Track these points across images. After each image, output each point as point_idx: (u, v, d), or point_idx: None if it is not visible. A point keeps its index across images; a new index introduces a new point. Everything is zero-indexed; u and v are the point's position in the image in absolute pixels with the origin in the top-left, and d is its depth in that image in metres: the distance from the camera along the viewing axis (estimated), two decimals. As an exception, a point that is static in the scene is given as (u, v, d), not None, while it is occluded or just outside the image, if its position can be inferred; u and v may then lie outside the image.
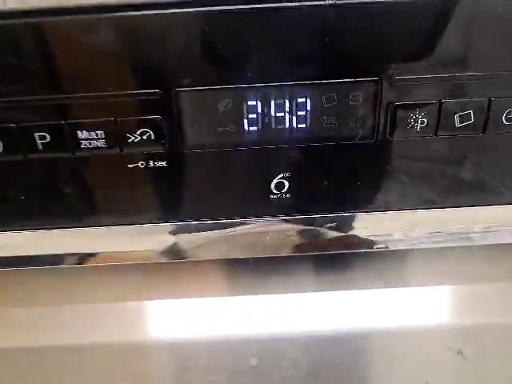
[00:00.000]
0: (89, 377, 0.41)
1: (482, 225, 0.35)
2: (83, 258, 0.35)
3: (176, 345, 0.39)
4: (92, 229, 0.33)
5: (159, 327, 0.40)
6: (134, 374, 0.41)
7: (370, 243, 0.35)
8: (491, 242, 0.36)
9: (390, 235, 0.35)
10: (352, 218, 0.34)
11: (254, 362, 0.39)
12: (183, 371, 0.39)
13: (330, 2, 0.25)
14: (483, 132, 0.30)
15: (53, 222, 0.33)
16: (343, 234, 0.34)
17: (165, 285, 0.39)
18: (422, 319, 0.39)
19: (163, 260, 0.34)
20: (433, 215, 0.34)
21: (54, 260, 0.35)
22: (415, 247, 0.36)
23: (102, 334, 0.39)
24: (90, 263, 0.35)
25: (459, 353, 0.41)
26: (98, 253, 0.35)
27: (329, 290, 0.39)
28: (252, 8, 0.25)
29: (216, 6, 0.25)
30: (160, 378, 0.40)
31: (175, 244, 0.33)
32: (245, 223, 0.33)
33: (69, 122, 0.28)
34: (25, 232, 0.33)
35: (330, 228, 0.33)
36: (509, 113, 0.29)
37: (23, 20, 0.25)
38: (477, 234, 0.35)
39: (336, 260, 0.38)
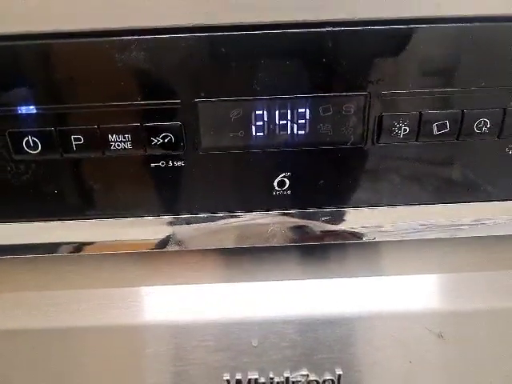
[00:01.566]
0: (92, 358, 0.43)
1: (470, 218, 0.38)
2: (87, 246, 0.38)
3: (181, 327, 0.42)
4: (111, 219, 0.37)
5: (164, 311, 0.42)
6: (138, 355, 0.43)
7: (361, 235, 0.39)
8: (479, 234, 0.39)
9: (380, 227, 0.38)
10: (345, 212, 0.37)
11: (255, 342, 0.43)
12: (190, 350, 0.43)
13: (328, 29, 0.30)
14: (457, 139, 0.34)
15: (81, 215, 0.37)
16: (338, 227, 0.38)
17: (169, 272, 0.42)
18: (405, 304, 0.43)
19: (174, 249, 0.38)
20: (421, 210, 0.38)
21: (59, 248, 0.38)
22: (405, 238, 0.39)
23: (107, 317, 0.42)
24: (92, 251, 0.38)
25: (440, 336, 0.45)
26: (102, 241, 0.38)
27: (321, 278, 0.42)
28: (261, 33, 0.30)
29: (230, 31, 0.30)
30: (168, 357, 0.43)
31: (182, 234, 0.37)
32: (251, 216, 0.37)
33: (101, 126, 0.32)
34: (37, 223, 0.37)
35: (326, 221, 0.37)
36: (479, 122, 0.34)
37: (69, 40, 0.29)
38: (465, 226, 0.39)
39: (329, 250, 0.42)
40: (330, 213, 0.37)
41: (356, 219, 0.38)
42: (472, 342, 0.45)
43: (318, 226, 0.38)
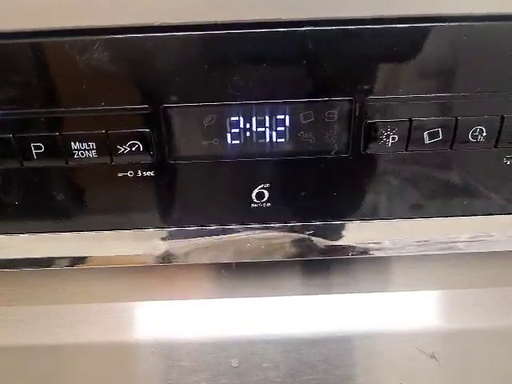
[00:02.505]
0: (73, 376, 0.42)
1: (467, 234, 0.37)
2: (76, 260, 0.36)
3: (160, 345, 0.41)
4: (84, 233, 0.35)
5: (144, 328, 0.41)
6: (112, 375, 0.42)
7: (347, 250, 0.37)
8: (476, 250, 0.37)
9: (367, 243, 0.37)
10: (329, 226, 0.35)
11: (235, 363, 0.41)
12: (167, 371, 0.41)
13: (308, 28, 0.27)
14: (451, 148, 0.32)
15: (47, 227, 0.35)
16: (321, 241, 0.36)
17: (150, 287, 0.41)
18: (396, 323, 0.41)
19: (150, 264, 0.36)
20: (410, 224, 0.36)
21: (50, 262, 0.36)
22: (396, 254, 0.38)
23: (88, 334, 0.41)
24: (82, 266, 0.37)
25: (432, 356, 0.43)
26: (89, 256, 0.36)
27: (306, 295, 0.40)
28: (235, 33, 0.27)
29: (201, 31, 0.27)
30: (145, 377, 0.41)
31: (161, 249, 0.35)
32: (228, 230, 0.34)
33: (63, 133, 0.30)
34: (23, 235, 0.35)
35: (308, 235, 0.35)
36: (475, 131, 0.31)
37: (25, 40, 0.27)
38: (462, 243, 0.37)
39: (312, 266, 0.40)
40: (314, 227, 0.35)
41: (340, 233, 0.36)
42: (466, 362, 0.43)
43: (300, 240, 0.35)
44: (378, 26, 0.28)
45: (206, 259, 0.35)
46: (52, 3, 0.27)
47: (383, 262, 0.41)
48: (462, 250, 0.37)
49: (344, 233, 0.36)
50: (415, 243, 0.37)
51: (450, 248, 0.37)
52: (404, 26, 0.28)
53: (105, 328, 0.41)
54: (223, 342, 0.40)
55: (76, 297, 0.41)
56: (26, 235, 0.35)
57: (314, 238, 0.35)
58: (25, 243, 0.36)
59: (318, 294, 0.41)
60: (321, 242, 0.35)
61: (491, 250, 0.38)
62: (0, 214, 0.34)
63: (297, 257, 0.36)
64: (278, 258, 0.36)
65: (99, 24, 0.27)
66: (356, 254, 0.37)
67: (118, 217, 0.34)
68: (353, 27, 0.28)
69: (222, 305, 0.41)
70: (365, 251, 0.37)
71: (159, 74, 0.29)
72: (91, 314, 0.41)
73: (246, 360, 0.41)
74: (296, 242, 0.36)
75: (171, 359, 0.41)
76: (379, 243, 0.36)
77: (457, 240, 0.37)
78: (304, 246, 0.36)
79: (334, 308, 0.41)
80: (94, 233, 0.35)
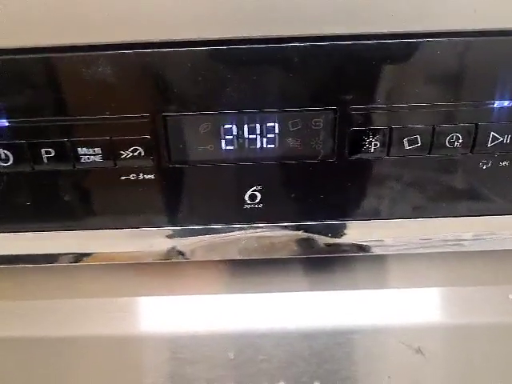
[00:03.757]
0: (80, 367, 0.44)
1: (471, 233, 0.38)
2: (82, 257, 0.38)
3: (160, 338, 0.42)
4: (89, 231, 0.37)
5: (145, 322, 0.43)
6: (112, 367, 0.44)
7: (336, 249, 0.39)
8: (480, 249, 0.39)
9: (356, 241, 0.38)
10: (318, 226, 0.37)
11: (231, 355, 0.43)
12: (166, 363, 0.43)
13: (295, 44, 0.30)
14: (429, 154, 0.34)
15: (54, 226, 0.37)
16: (311, 240, 0.38)
17: (151, 283, 0.43)
18: (383, 319, 0.43)
19: (151, 260, 0.38)
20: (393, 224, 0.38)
21: (55, 259, 0.38)
22: (384, 253, 0.40)
23: (94, 327, 0.42)
24: (89, 262, 0.39)
25: (418, 351, 0.44)
26: (95, 253, 0.38)
27: (297, 291, 0.42)
28: (228, 49, 0.30)
29: (197, 47, 0.30)
30: (145, 369, 0.43)
31: (160, 247, 0.37)
32: (222, 229, 0.37)
33: (71, 139, 0.32)
34: (29, 233, 0.37)
35: (299, 234, 0.37)
36: (451, 137, 0.34)
37: (38, 55, 0.30)
38: (467, 241, 0.38)
39: (305, 263, 0.42)
40: (304, 226, 0.37)
41: (330, 233, 0.38)
42: (452, 357, 0.45)
43: (291, 239, 0.37)
44: (358, 42, 0.30)
45: (199, 257, 0.38)
46: (62, 22, 0.29)
47: (374, 260, 0.43)
48: (465, 248, 0.39)
49: (333, 231, 0.38)
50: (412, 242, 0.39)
51: (453, 245, 0.39)
52: (381, 42, 0.30)
53: (107, 322, 0.42)
54: (220, 336, 0.42)
55: (81, 292, 0.43)
56: (34, 233, 0.37)
57: (304, 236, 0.38)
58: (33, 241, 0.38)
59: (310, 290, 0.43)
60: (312, 239, 0.37)
61: (495, 249, 0.39)
62: (11, 214, 0.36)
63: (289, 255, 0.38)
64: (270, 255, 0.38)
65: (103, 41, 0.30)
66: (347, 252, 0.39)
67: (120, 216, 0.37)
68: (336, 43, 0.30)
69: (219, 300, 0.42)
70: (358, 249, 0.39)
71: (159, 86, 0.31)
72: (94, 308, 0.42)
73: (241, 353, 0.43)
74: (288, 240, 0.38)
75: (170, 351, 0.43)
76: (369, 241, 0.38)
77: (460, 238, 0.39)
78: (296, 245, 0.38)
79: (325, 304, 0.43)
80: (99, 231, 0.37)
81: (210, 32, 0.30)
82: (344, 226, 0.38)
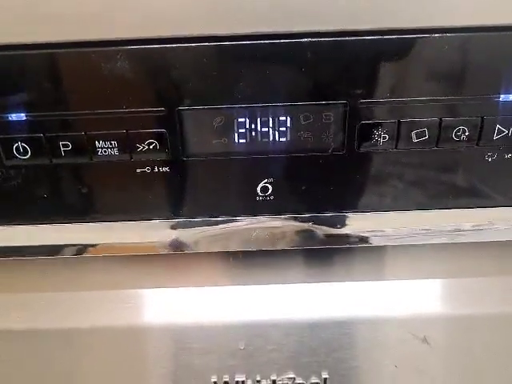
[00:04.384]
0: (89, 359, 0.45)
1: (471, 223, 0.39)
2: (91, 248, 0.39)
3: (172, 329, 0.43)
4: (103, 223, 0.38)
5: (157, 313, 0.43)
6: (126, 357, 0.44)
7: (346, 240, 0.39)
8: (479, 240, 0.40)
9: (363, 232, 0.39)
10: (328, 218, 0.38)
11: (241, 345, 0.44)
12: (179, 352, 0.44)
13: (308, 39, 0.31)
14: (436, 146, 0.35)
15: (68, 217, 0.38)
16: (321, 232, 0.39)
17: (164, 275, 0.43)
18: (390, 309, 0.44)
19: (164, 252, 0.39)
20: (404, 216, 0.39)
21: (58, 251, 0.39)
22: (391, 243, 0.40)
23: (105, 318, 0.43)
24: (98, 253, 0.39)
25: (424, 340, 0.45)
26: (105, 244, 0.39)
27: (307, 283, 0.43)
28: (241, 44, 0.31)
29: (212, 42, 0.31)
30: (158, 359, 0.44)
31: (175, 238, 0.38)
32: (235, 221, 0.38)
33: (88, 133, 0.33)
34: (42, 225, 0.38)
35: (309, 226, 0.38)
36: (458, 130, 0.34)
37: (59, 50, 0.31)
38: (467, 232, 0.39)
39: (314, 254, 0.43)
40: (314, 218, 0.38)
41: (339, 224, 0.38)
42: (458, 346, 0.45)
43: (301, 230, 0.38)
44: (369, 38, 0.31)
45: (213, 248, 0.38)
46: (82, 18, 0.30)
47: (380, 251, 0.44)
48: (464, 239, 0.39)
49: (342, 223, 0.39)
50: (411, 232, 0.40)
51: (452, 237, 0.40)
52: (391, 37, 0.31)
53: (121, 313, 0.43)
54: (230, 326, 0.43)
55: (94, 284, 0.43)
56: (48, 225, 0.38)
57: (314, 228, 0.38)
58: (47, 232, 0.38)
59: (318, 281, 0.44)
60: (322, 231, 0.38)
61: (495, 240, 0.40)
62: (29, 206, 0.37)
63: (299, 246, 0.39)
64: (281, 246, 0.39)
65: (122, 36, 0.31)
66: (356, 243, 0.40)
67: (135, 208, 0.37)
68: (346, 38, 0.31)
69: (230, 291, 0.43)
70: (364, 240, 0.39)
71: (174, 80, 0.32)
72: (108, 299, 0.43)
73: (251, 343, 0.44)
74: (298, 231, 0.38)
75: (182, 342, 0.43)
76: (378, 232, 0.39)
77: (460, 229, 0.39)
78: (306, 236, 0.39)
79: (333, 295, 0.43)
80: (111, 223, 0.38)
81: (225, 28, 0.30)
82: (352, 218, 0.39)
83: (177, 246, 0.39)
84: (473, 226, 0.39)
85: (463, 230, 0.39)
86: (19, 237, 0.38)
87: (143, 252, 0.40)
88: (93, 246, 0.39)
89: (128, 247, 0.39)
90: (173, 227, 0.38)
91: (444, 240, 0.39)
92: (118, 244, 0.39)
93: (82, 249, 0.39)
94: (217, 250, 0.39)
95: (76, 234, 0.38)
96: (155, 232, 0.38)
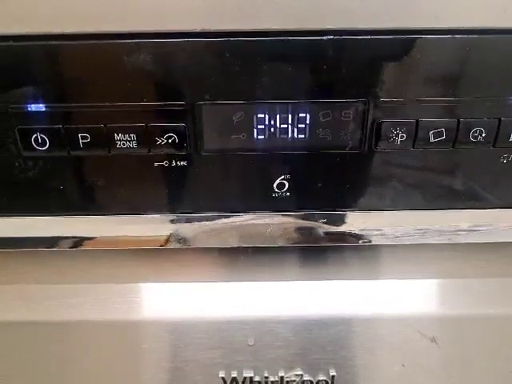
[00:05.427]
0: (96, 350, 0.45)
1: (468, 224, 0.39)
2: (89, 240, 0.39)
3: (179, 323, 0.43)
4: (113, 216, 0.38)
5: (159, 307, 0.43)
6: (134, 350, 0.44)
7: (358, 238, 0.39)
8: (476, 241, 0.40)
9: (378, 231, 0.39)
10: (343, 216, 0.38)
11: (250, 341, 0.44)
12: (185, 347, 0.44)
13: (329, 37, 0.31)
14: (453, 147, 0.35)
15: (82, 210, 0.38)
16: (335, 229, 0.39)
17: (172, 270, 0.43)
18: (399, 308, 0.44)
19: (176, 246, 0.39)
20: (419, 215, 0.39)
21: (55, 243, 0.39)
22: (403, 243, 0.40)
23: (112, 312, 0.43)
24: (99, 247, 0.40)
25: (433, 340, 0.45)
26: (111, 237, 0.39)
27: (316, 280, 0.43)
28: (263, 41, 0.31)
29: (234, 37, 0.31)
30: (164, 353, 0.44)
31: (183, 232, 0.38)
32: (250, 216, 0.38)
33: (107, 125, 0.33)
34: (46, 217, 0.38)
35: (324, 223, 0.38)
36: (475, 131, 0.35)
37: (80, 42, 0.31)
38: (463, 232, 0.39)
39: (325, 252, 0.43)
40: (328, 215, 0.38)
41: (353, 222, 0.39)
42: (465, 347, 0.46)
43: (315, 228, 0.38)
44: (389, 37, 0.31)
45: (227, 243, 0.39)
46: (104, 9, 0.30)
47: (387, 251, 0.44)
48: (462, 239, 0.40)
49: (356, 221, 0.39)
50: (417, 231, 0.40)
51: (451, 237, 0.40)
52: (412, 37, 0.31)
53: (128, 307, 0.43)
54: (239, 322, 0.43)
55: (99, 277, 0.43)
56: (56, 217, 0.38)
57: (327, 226, 0.39)
58: (59, 224, 0.39)
59: (326, 279, 0.44)
60: (333, 229, 0.38)
61: (492, 241, 0.40)
62: (46, 198, 0.37)
63: (309, 243, 0.39)
64: (292, 243, 0.39)
65: (144, 29, 0.31)
66: (366, 242, 0.40)
67: (148, 202, 0.37)
68: (367, 37, 0.31)
69: (240, 287, 0.43)
70: (372, 239, 0.40)
71: (195, 75, 0.32)
72: (114, 293, 0.43)
73: (259, 339, 0.44)
74: (310, 229, 0.39)
75: (189, 337, 0.43)
76: (389, 231, 0.39)
77: (458, 229, 0.40)
78: (317, 234, 0.39)
79: (342, 293, 0.43)
80: (122, 216, 0.38)
81: (249, 23, 0.30)
82: (364, 216, 0.39)
83: (187, 241, 0.39)
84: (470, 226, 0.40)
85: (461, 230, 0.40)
86: (16, 228, 0.38)
87: (153, 246, 0.40)
88: (93, 238, 0.39)
89: (133, 240, 0.40)
90: (187, 221, 0.38)
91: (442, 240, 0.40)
92: (129, 238, 0.39)
93: (80, 242, 0.39)
94: (230, 246, 0.39)
95: (75, 226, 0.39)
96: (163, 226, 0.38)
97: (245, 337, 0.44)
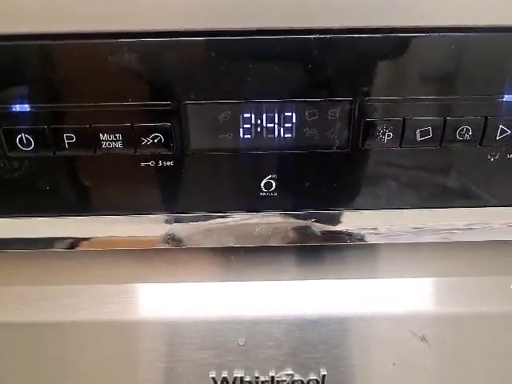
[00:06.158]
0: (86, 353, 0.45)
1: (463, 222, 0.39)
2: (84, 241, 0.39)
3: (172, 324, 0.43)
4: (106, 217, 0.38)
5: (152, 308, 0.43)
6: (127, 351, 0.44)
7: (350, 237, 0.39)
8: (472, 239, 0.40)
9: (368, 230, 0.39)
10: (333, 214, 0.38)
11: (241, 341, 0.44)
12: (178, 347, 0.44)
13: (315, 36, 0.31)
14: (440, 145, 0.35)
15: (69, 210, 0.38)
16: (326, 228, 0.39)
17: (164, 270, 0.43)
18: (389, 307, 0.44)
19: (165, 246, 0.39)
20: (412, 213, 0.39)
21: (52, 244, 0.39)
22: (397, 241, 0.40)
23: (104, 312, 0.43)
24: (93, 247, 0.39)
25: (423, 339, 0.45)
26: (105, 237, 0.39)
27: (308, 279, 0.43)
28: (250, 39, 0.31)
29: (219, 37, 0.31)
30: (157, 353, 0.44)
31: (174, 232, 0.38)
32: (238, 216, 0.37)
33: (93, 125, 0.33)
34: (40, 218, 0.38)
35: (314, 222, 0.38)
36: (462, 130, 0.35)
37: (60, 42, 0.30)
38: (458, 231, 0.39)
39: (316, 251, 0.43)
40: (318, 214, 0.38)
41: (344, 221, 0.39)
42: (460, 345, 0.46)
43: (305, 227, 0.38)
44: (376, 36, 0.31)
45: (216, 243, 0.38)
46: (92, 12, 0.30)
47: (379, 250, 0.44)
48: (458, 238, 0.40)
49: (344, 220, 0.39)
50: (411, 230, 0.40)
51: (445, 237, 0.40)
52: (398, 36, 0.31)
53: (122, 307, 0.43)
54: (231, 322, 0.43)
55: (94, 278, 0.43)
56: (49, 218, 0.38)
57: (316, 225, 0.38)
58: (48, 225, 0.38)
59: (318, 279, 0.44)
60: (322, 228, 0.38)
61: (488, 240, 0.40)
62: (33, 198, 0.37)
63: (299, 242, 0.39)
64: (281, 243, 0.39)
65: (129, 29, 0.30)
66: (355, 241, 0.40)
67: (136, 202, 0.37)
68: (354, 36, 0.31)
69: (230, 287, 0.43)
70: (362, 238, 0.40)
71: (181, 74, 0.32)
72: (109, 294, 0.43)
73: (251, 339, 0.44)
74: (299, 228, 0.39)
75: (182, 337, 0.43)
76: (377, 229, 0.39)
77: (454, 228, 0.40)
78: (306, 233, 0.39)
79: (333, 292, 0.43)
80: (113, 216, 0.38)
81: (233, 22, 0.30)
82: (352, 215, 0.39)
83: (177, 241, 0.39)
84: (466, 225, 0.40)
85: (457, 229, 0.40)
86: (10, 229, 0.38)
87: (145, 246, 0.40)
88: (87, 239, 0.39)
89: (126, 241, 0.39)
90: (176, 221, 0.38)
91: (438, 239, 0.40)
92: (119, 237, 0.39)
93: (74, 242, 0.39)
94: (217, 246, 0.39)
95: (69, 227, 0.38)
96: (154, 226, 0.38)
97: (238, 337, 0.44)
